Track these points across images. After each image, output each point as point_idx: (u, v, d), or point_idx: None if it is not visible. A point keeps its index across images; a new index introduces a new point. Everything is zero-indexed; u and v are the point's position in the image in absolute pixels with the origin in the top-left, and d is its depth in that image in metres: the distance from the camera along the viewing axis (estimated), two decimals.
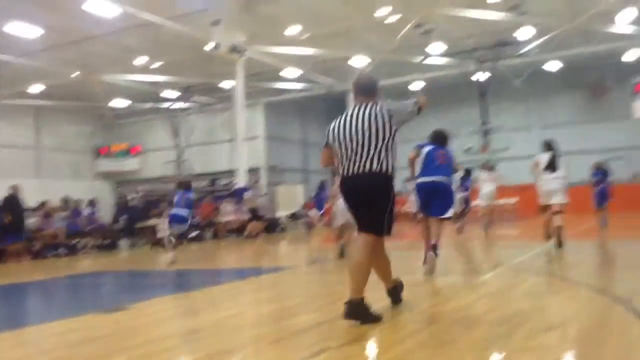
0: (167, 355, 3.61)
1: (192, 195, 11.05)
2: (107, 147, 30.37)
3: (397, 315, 4.52)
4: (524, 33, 21.76)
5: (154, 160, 31.06)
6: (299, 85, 28.45)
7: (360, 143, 4.23)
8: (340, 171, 4.41)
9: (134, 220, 18.66)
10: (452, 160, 7.16)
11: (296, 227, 25.51)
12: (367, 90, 4.47)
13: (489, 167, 14.97)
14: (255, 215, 16.36)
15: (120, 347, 3.90)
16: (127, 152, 30.71)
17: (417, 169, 7.00)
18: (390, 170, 4.27)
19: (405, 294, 4.79)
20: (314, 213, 16.99)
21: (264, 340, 3.94)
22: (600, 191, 13.81)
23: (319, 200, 14.68)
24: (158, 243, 17.39)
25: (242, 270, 9.59)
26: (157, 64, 21.89)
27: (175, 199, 10.74)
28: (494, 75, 25.95)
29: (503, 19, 20.29)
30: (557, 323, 3.86)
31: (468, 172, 13.95)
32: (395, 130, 4.28)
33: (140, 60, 21.05)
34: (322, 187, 14.29)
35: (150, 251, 15.84)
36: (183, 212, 10.53)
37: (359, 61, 24.50)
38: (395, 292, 4.69)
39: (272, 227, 21.95)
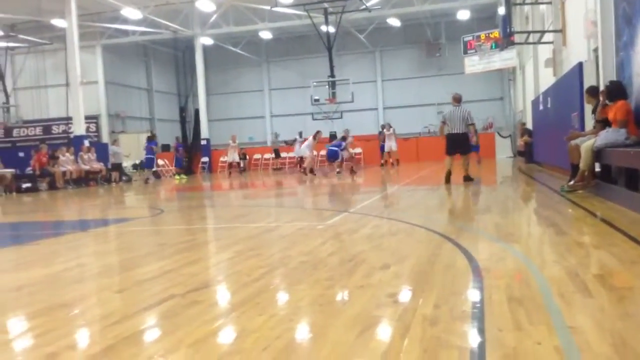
0: None
1: None
2: None
3: (244, 261, 4.58)
4: None
5: None
6: (141, 28, 26.87)
7: (459, 121, 11.54)
8: (448, 130, 11.68)
9: None
10: None
11: (142, 177, 24.57)
12: (459, 100, 11.67)
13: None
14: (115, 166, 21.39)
15: None
16: None
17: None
18: (466, 132, 11.77)
19: (255, 242, 5.05)
20: None
21: (108, 290, 3.80)
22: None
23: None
24: None
25: (83, 222, 9.09)
26: None
27: None
28: (340, 28, 26.52)
29: None
30: (393, 261, 4.16)
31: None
32: (470, 120, 11.74)
33: None
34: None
35: None
36: None
37: (205, 5, 23.70)
38: (468, 177, 11.67)
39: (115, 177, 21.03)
